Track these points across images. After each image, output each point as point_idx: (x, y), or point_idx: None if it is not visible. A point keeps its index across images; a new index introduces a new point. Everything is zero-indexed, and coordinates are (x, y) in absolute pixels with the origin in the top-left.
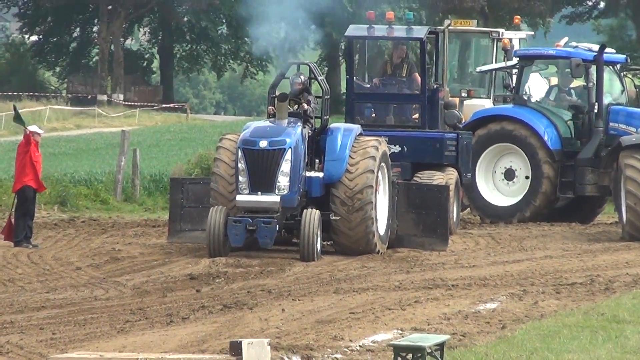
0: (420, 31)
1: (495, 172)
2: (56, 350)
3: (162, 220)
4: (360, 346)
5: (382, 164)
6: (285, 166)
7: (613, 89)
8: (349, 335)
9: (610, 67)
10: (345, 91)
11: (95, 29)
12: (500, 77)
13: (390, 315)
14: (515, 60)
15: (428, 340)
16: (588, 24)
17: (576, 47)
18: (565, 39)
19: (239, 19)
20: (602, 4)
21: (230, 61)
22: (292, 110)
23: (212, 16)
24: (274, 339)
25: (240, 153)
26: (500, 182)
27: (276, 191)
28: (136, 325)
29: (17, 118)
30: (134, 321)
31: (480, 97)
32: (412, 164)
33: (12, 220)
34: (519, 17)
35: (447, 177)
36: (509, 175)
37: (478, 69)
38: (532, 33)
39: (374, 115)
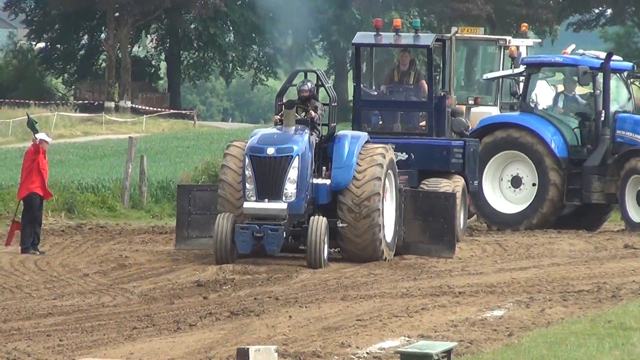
0: (427, 38)
1: (502, 179)
2: (63, 357)
3: (170, 227)
4: (367, 353)
5: (389, 171)
6: (293, 173)
7: (620, 97)
8: (356, 342)
9: (617, 74)
10: (352, 98)
11: (102, 36)
12: (507, 84)
13: (397, 322)
14: (522, 68)
15: (435, 347)
16: (595, 31)
17: (583, 54)
18: (572, 46)
19: (248, 25)
20: (609, 12)
21: (238, 68)
22: (299, 117)
23: (219, 23)
24: (281, 345)
25: (247, 160)
26: (507, 190)
27: (283, 198)
28: (143, 332)
29: (31, 124)
30: (141, 328)
31: (487, 105)
32: (419, 171)
33: (14, 227)
34: (526, 24)
35: (454, 184)
36: (516, 182)
37: (485, 77)
38: (539, 40)
39: (381, 122)
